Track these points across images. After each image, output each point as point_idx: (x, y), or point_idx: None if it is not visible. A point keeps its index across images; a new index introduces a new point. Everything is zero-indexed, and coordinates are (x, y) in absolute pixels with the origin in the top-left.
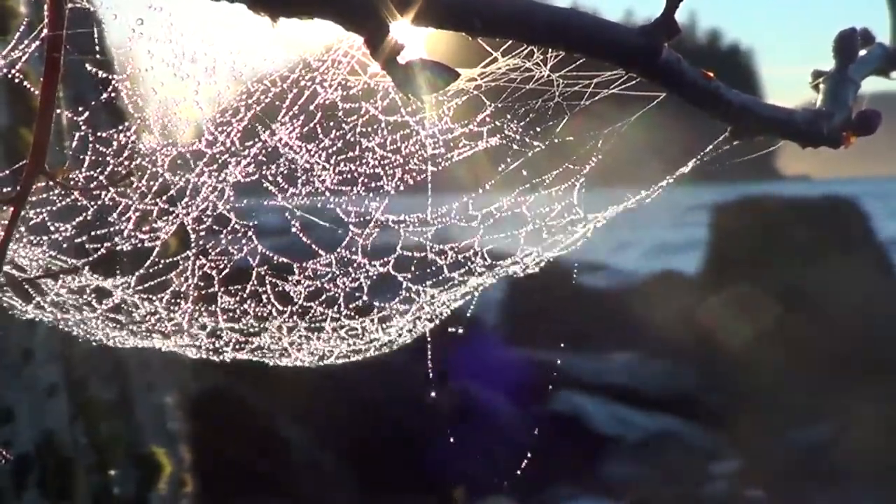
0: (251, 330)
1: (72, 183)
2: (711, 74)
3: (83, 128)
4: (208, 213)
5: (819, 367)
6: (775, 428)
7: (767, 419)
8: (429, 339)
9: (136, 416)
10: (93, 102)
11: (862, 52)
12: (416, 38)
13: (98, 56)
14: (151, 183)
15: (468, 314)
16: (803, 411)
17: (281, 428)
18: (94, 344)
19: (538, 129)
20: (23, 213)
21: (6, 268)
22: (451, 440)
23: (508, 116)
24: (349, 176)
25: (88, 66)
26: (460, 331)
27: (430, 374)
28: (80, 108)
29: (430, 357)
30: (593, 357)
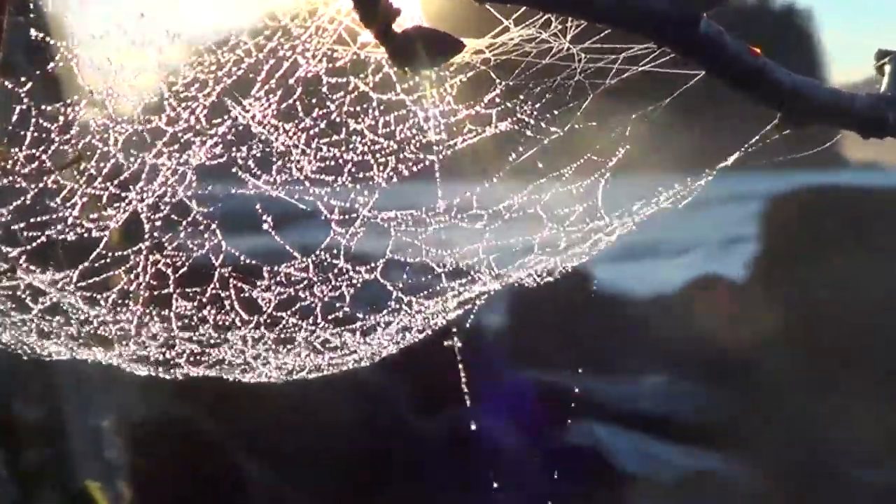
0: (210, 340)
1: (10, 164)
2: (758, 50)
3: (25, 101)
4: (166, 200)
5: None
6: (840, 468)
7: (829, 457)
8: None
9: (68, 442)
10: (37, 72)
11: None
12: (413, 2)
13: (37, 19)
14: (102, 165)
15: (467, 325)
16: (875, 448)
17: (239, 460)
18: (21, 355)
19: (556, 112)
20: None
21: None
22: (445, 480)
23: (521, 97)
24: (333, 163)
25: (30, 32)
26: (458, 344)
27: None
28: (21, 80)
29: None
30: (617, 379)
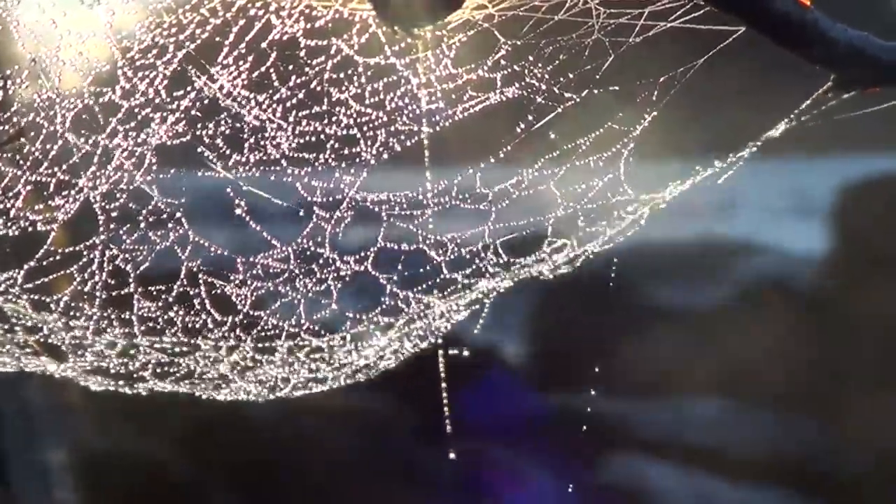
0: (178, 348)
1: None
2: (808, 2)
3: None
4: (122, 186)
5: None
6: None
7: None
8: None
9: (8, 481)
10: None
11: None
12: None
13: None
14: (48, 146)
15: (475, 331)
16: None
17: (213, 502)
18: None
19: (571, 76)
20: None
21: None
22: None
23: (531, 58)
24: (314, 139)
25: None
26: (465, 353)
27: None
28: None
29: None
30: (665, 405)
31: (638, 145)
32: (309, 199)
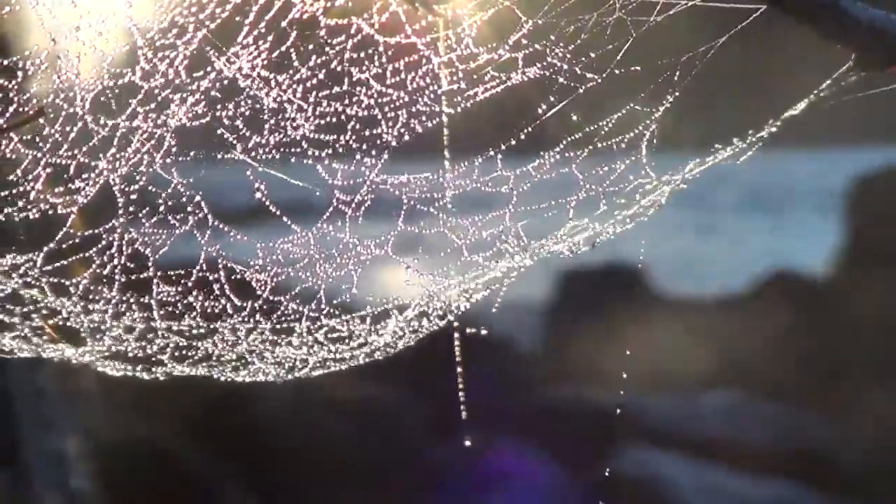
0: (196, 332)
1: None
2: None
3: None
4: (142, 169)
5: None
6: None
7: None
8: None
9: (24, 467)
10: None
11: None
12: None
13: None
14: (67, 128)
15: (493, 308)
16: None
17: (223, 491)
18: None
19: (592, 56)
20: None
21: None
22: None
23: (552, 38)
24: (334, 120)
25: None
26: (483, 332)
27: None
28: None
29: None
30: (675, 397)
31: (658, 129)
32: (330, 180)
